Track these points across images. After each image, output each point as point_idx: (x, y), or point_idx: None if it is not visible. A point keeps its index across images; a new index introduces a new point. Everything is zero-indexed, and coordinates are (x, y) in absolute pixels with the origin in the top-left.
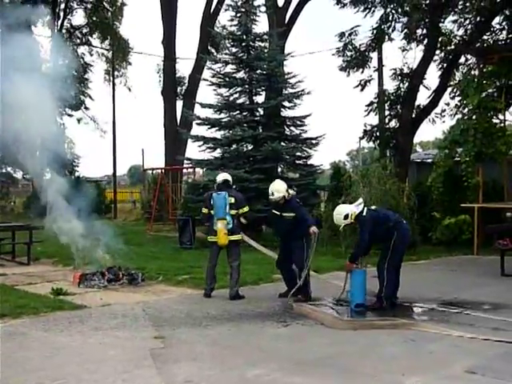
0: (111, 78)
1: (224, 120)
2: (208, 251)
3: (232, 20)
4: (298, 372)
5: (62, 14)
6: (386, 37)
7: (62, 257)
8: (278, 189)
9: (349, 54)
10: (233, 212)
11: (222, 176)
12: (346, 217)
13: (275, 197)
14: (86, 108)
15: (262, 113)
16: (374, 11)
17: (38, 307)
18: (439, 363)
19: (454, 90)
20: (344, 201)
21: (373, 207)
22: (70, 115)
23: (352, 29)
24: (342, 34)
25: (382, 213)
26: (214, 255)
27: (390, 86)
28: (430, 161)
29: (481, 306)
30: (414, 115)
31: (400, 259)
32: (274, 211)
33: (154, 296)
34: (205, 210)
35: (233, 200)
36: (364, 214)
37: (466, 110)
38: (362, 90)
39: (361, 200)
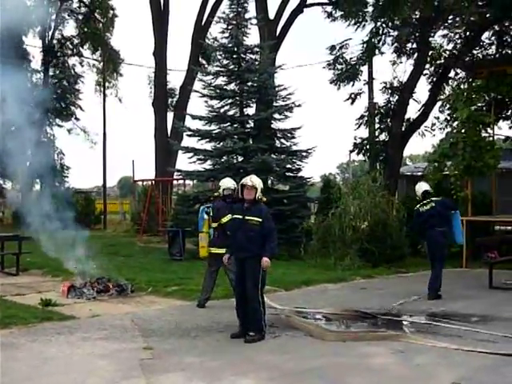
0: (102, 89)
1: (215, 132)
2: (197, 262)
3: (223, 32)
4: (287, 383)
5: (53, 24)
6: (377, 50)
7: (51, 267)
8: (257, 182)
9: (339, 67)
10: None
11: (225, 185)
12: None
13: (251, 183)
14: (77, 119)
15: (252, 125)
16: (364, 25)
17: (26, 318)
18: (427, 374)
19: (444, 104)
20: (334, 212)
21: (426, 207)
22: (60, 126)
23: (343, 42)
24: (332, 47)
25: (426, 216)
26: (213, 266)
27: (380, 99)
28: (419, 174)
29: (469, 319)
30: (403, 128)
31: (430, 259)
32: (235, 216)
33: (143, 307)
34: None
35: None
36: (418, 206)
37: (456, 123)
38: (352, 103)
39: (427, 201)
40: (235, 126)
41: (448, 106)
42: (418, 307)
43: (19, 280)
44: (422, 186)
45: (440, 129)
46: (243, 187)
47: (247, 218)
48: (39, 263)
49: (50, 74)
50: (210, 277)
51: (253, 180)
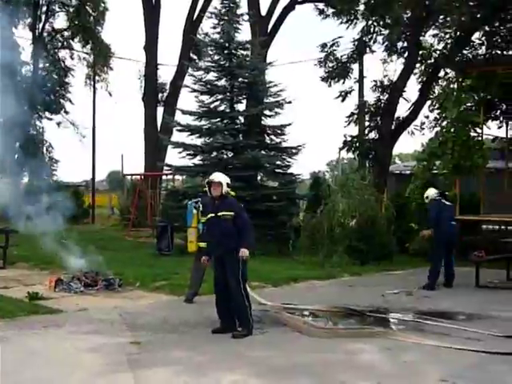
0: (92, 83)
1: (205, 127)
2: (185, 257)
3: (215, 28)
4: (275, 379)
5: (43, 16)
6: (368, 49)
7: (39, 261)
8: (221, 177)
9: (330, 64)
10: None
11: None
12: (427, 198)
13: (216, 179)
14: (66, 112)
15: (242, 121)
16: (356, 23)
17: (13, 311)
18: (414, 372)
19: (434, 103)
20: (322, 210)
21: (447, 202)
22: (49, 119)
23: (334, 40)
24: (323, 45)
25: (445, 207)
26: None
27: (370, 97)
28: (408, 172)
29: (456, 317)
30: (393, 127)
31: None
32: (209, 215)
33: (130, 302)
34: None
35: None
36: (436, 199)
37: (445, 123)
38: (342, 100)
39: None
40: (225, 121)
41: (437, 105)
42: (406, 305)
43: (6, 273)
44: (432, 189)
45: (429, 128)
46: (210, 185)
47: (219, 214)
48: (26, 256)
49: (40, 66)
50: (197, 272)
51: (217, 176)
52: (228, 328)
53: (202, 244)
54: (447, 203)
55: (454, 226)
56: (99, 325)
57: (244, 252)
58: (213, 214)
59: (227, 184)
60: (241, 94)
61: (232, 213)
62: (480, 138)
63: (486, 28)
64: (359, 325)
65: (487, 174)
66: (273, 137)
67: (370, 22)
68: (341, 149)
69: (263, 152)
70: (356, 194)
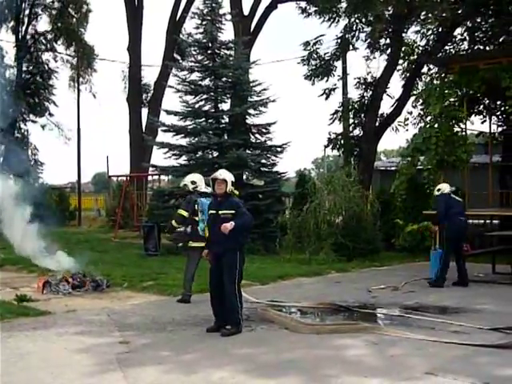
0: (76, 85)
1: (189, 127)
2: (172, 257)
3: (198, 28)
4: (262, 375)
5: (26, 19)
6: (350, 46)
7: (26, 263)
8: (226, 175)
9: (313, 62)
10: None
11: (190, 179)
12: (438, 190)
13: (221, 177)
14: (51, 114)
15: (227, 120)
16: (338, 21)
17: (1, 313)
18: (400, 365)
19: (417, 99)
20: (308, 207)
21: (456, 197)
22: (34, 121)
23: (316, 38)
24: (306, 43)
25: (454, 202)
26: (196, 260)
27: (354, 94)
28: (393, 169)
29: (442, 310)
30: (377, 123)
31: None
32: (210, 211)
33: (119, 302)
34: (185, 213)
35: None
36: (444, 193)
37: (429, 118)
38: (326, 98)
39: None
40: (210, 121)
41: (421, 101)
42: (392, 300)
43: None
44: (446, 184)
45: (413, 124)
46: (214, 182)
47: (220, 212)
48: (14, 259)
49: (24, 69)
50: (190, 271)
51: (222, 173)
52: (222, 327)
53: (193, 244)
54: (457, 198)
55: (464, 221)
56: (88, 325)
57: (225, 226)
58: (214, 212)
59: (232, 182)
60: (225, 94)
61: (233, 211)
62: (464, 133)
63: (468, 23)
64: (346, 320)
65: (471, 168)
66: (258, 135)
67: (353, 20)
68: (326, 146)
69: (248, 151)
70: (341, 190)
